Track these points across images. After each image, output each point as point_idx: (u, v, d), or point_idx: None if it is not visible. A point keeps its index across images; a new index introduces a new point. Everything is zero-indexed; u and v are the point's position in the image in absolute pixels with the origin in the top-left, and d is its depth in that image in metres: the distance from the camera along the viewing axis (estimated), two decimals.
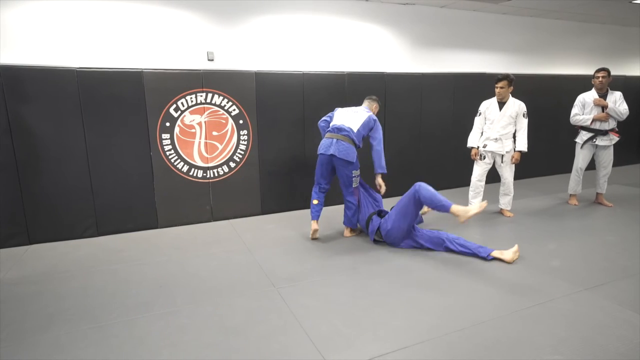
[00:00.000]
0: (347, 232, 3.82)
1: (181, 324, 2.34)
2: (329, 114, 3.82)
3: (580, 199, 4.88)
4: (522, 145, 4.09)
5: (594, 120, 4.40)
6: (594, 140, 4.48)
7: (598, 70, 4.40)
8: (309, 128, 4.61)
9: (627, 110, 4.36)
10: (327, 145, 3.55)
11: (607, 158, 4.54)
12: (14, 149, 3.54)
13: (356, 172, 3.61)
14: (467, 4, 5.18)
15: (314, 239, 3.70)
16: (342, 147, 3.50)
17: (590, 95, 4.45)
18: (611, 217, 4.24)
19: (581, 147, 4.58)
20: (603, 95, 4.41)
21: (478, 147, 4.27)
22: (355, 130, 3.56)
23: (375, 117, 3.70)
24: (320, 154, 3.61)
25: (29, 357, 2.06)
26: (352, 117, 3.61)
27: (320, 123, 3.85)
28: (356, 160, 3.57)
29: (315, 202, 3.69)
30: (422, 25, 5.30)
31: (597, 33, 6.78)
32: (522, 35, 6.05)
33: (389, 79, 5.01)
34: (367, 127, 3.62)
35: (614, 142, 4.48)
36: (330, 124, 3.69)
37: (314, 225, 3.66)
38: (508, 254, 3.14)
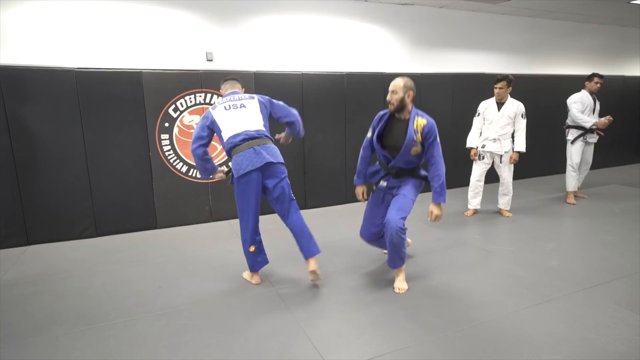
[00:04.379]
0: (313, 265, 2.69)
1: (180, 324, 2.34)
2: (205, 125, 2.69)
3: (576, 198, 4.92)
4: (521, 145, 4.10)
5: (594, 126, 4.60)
6: (585, 137, 4.65)
7: (598, 76, 4.57)
8: (308, 128, 4.60)
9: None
10: (250, 158, 2.56)
11: (589, 153, 4.82)
12: (12, 149, 3.53)
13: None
14: (466, 4, 5.19)
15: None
16: (272, 149, 2.66)
17: (587, 98, 4.64)
18: (609, 217, 4.25)
19: (572, 143, 4.73)
20: (594, 98, 4.66)
21: (477, 147, 4.28)
22: (263, 129, 2.69)
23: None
24: (247, 172, 2.55)
25: (27, 358, 2.06)
26: (247, 116, 2.67)
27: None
28: None
29: (252, 249, 2.77)
30: (421, 25, 5.30)
31: (596, 33, 6.79)
32: (520, 36, 6.06)
33: (388, 79, 4.96)
34: (266, 110, 2.76)
35: (596, 138, 4.74)
36: (224, 135, 2.63)
37: (256, 277, 2.85)
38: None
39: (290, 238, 3.70)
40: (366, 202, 2.96)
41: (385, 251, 3.06)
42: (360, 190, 2.93)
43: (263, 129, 2.69)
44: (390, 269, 2.87)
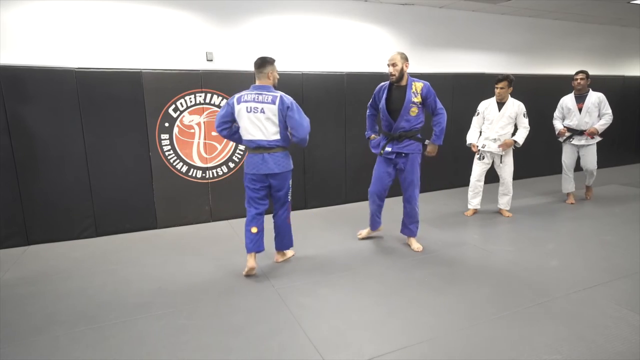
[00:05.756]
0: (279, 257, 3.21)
1: (180, 324, 2.34)
2: (227, 110, 2.85)
3: (577, 198, 4.90)
4: (519, 137, 4.08)
5: (585, 132, 4.54)
6: (571, 139, 4.60)
7: (577, 73, 4.53)
8: None
9: (609, 115, 4.45)
10: (257, 163, 2.86)
11: (587, 157, 4.60)
12: (12, 149, 3.53)
13: (290, 182, 3.04)
14: (466, 4, 5.19)
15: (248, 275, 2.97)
16: (279, 158, 2.88)
17: (569, 98, 4.60)
18: (610, 216, 4.25)
19: (563, 145, 4.73)
20: (582, 97, 4.51)
21: (476, 143, 4.25)
22: (278, 137, 2.85)
23: (286, 97, 2.82)
24: (252, 173, 2.91)
25: (27, 358, 2.06)
26: (264, 123, 2.79)
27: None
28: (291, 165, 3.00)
29: (254, 230, 2.98)
30: (421, 25, 5.30)
31: (596, 33, 6.79)
32: (520, 36, 6.06)
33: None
34: (284, 118, 2.82)
35: (590, 142, 4.54)
36: (242, 133, 2.87)
37: (251, 261, 2.96)
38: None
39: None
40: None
41: (363, 233, 3.70)
42: (374, 137, 3.48)
43: (277, 137, 2.85)
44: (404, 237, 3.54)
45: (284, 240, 3.18)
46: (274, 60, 2.87)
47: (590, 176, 4.75)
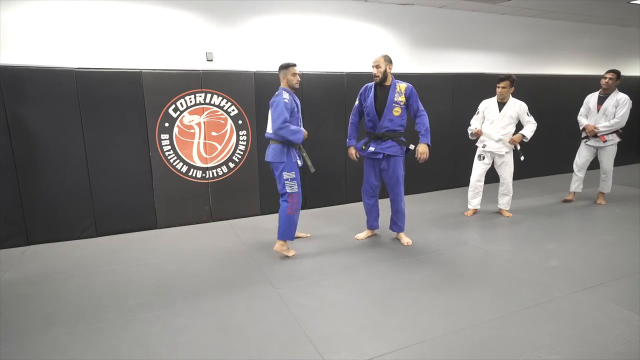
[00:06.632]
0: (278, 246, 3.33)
1: (180, 324, 2.34)
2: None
3: (579, 198, 4.91)
4: (527, 131, 4.05)
5: (584, 129, 4.56)
6: (587, 140, 4.60)
7: (607, 71, 4.46)
8: (308, 128, 4.60)
9: (620, 118, 4.33)
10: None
11: (603, 157, 4.58)
12: (12, 149, 3.53)
13: (289, 175, 3.21)
14: (466, 4, 5.19)
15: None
16: (272, 149, 3.24)
17: (593, 97, 4.56)
18: (610, 216, 4.25)
19: (580, 145, 4.72)
20: (606, 97, 4.44)
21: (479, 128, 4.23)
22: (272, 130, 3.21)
23: (278, 96, 3.15)
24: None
25: (27, 358, 2.06)
26: (269, 118, 3.23)
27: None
28: (287, 159, 3.20)
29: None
30: (421, 25, 5.30)
31: (596, 33, 6.79)
32: (521, 36, 6.06)
33: None
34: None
35: (606, 144, 4.48)
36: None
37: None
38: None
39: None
40: (358, 160, 3.58)
41: (360, 236, 3.73)
42: (352, 150, 3.54)
43: (271, 131, 3.22)
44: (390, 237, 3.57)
45: (281, 229, 3.30)
46: (286, 65, 3.25)
47: (604, 179, 4.64)
